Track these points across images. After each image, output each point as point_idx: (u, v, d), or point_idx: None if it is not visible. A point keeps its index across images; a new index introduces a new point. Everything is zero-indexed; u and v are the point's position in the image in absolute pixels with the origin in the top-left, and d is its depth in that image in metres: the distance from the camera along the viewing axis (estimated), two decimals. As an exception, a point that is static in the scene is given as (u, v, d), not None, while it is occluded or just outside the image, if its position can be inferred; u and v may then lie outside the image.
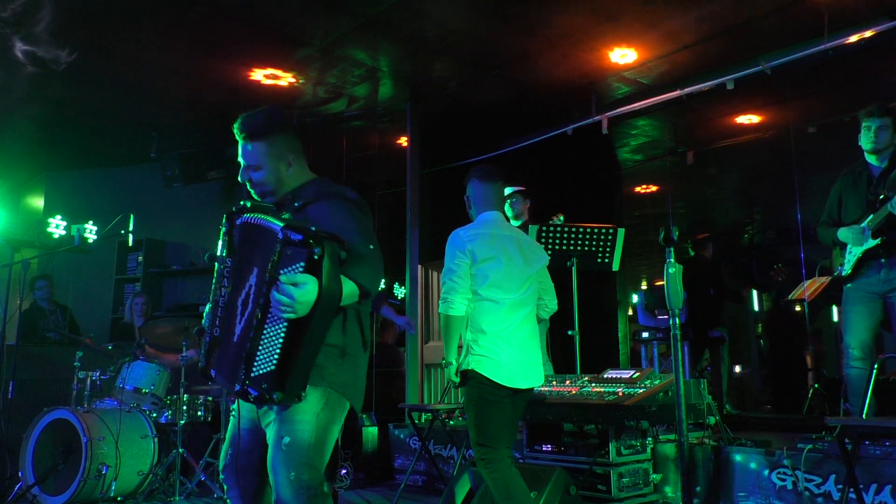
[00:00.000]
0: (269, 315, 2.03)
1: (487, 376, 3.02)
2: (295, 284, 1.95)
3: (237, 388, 2.07)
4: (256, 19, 5.17)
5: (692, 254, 6.95)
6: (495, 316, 3.08)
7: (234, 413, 2.40)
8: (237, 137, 2.38)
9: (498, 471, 3.00)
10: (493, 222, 3.21)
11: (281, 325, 2.01)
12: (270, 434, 2.21)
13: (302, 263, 1.98)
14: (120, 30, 5.32)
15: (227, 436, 2.41)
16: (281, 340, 2.01)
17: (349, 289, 2.08)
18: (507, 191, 5.42)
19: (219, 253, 2.29)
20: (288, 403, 2.10)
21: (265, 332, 2.04)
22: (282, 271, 2.00)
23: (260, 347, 2.04)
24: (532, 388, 3.18)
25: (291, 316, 1.97)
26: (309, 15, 5.13)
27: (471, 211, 3.31)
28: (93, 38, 5.42)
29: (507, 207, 5.41)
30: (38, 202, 8.61)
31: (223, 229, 2.28)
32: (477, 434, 3.06)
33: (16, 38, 5.36)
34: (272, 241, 2.04)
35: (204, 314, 2.37)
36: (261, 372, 2.03)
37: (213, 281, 2.28)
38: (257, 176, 2.36)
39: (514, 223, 5.38)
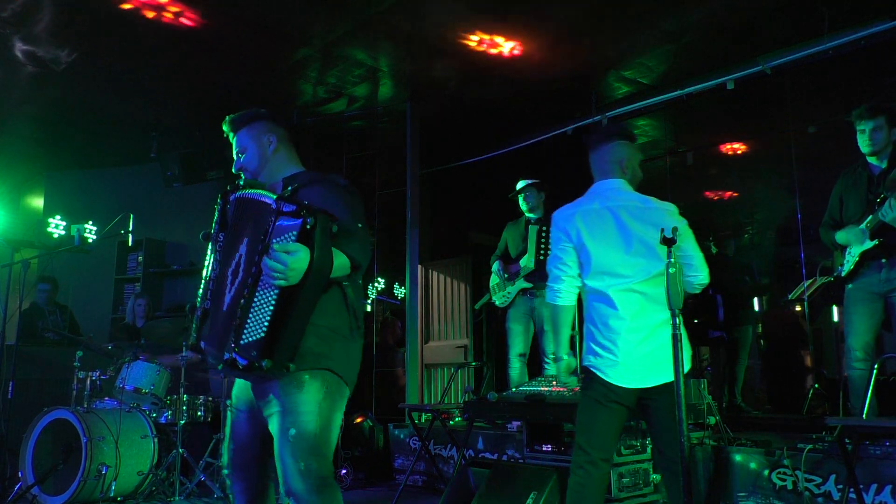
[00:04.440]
0: (261, 283, 2.08)
1: (600, 375, 2.71)
2: (287, 252, 2.01)
3: (226, 356, 2.10)
4: (256, 19, 5.17)
5: (714, 251, 6.94)
6: (605, 306, 2.73)
7: (230, 408, 2.42)
8: (229, 137, 2.53)
9: (586, 476, 2.68)
10: (593, 195, 2.88)
11: (272, 293, 2.06)
12: (274, 426, 2.21)
13: (294, 233, 2.04)
14: (120, 30, 5.32)
15: (227, 431, 2.43)
16: (271, 308, 2.06)
17: (340, 260, 2.15)
18: (520, 184, 5.41)
19: (212, 230, 2.34)
20: (275, 373, 2.12)
21: (256, 299, 2.08)
22: (274, 240, 2.05)
23: (250, 315, 2.08)
24: (666, 384, 2.68)
25: (283, 283, 2.02)
26: (309, 15, 5.13)
27: None
28: (93, 38, 5.42)
29: (521, 201, 5.41)
30: (38, 202, 8.61)
31: (217, 207, 2.34)
32: (577, 434, 2.78)
33: (16, 38, 5.36)
34: (265, 213, 2.12)
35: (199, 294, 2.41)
36: (250, 339, 2.07)
37: (208, 257, 2.33)
38: (245, 159, 2.48)
39: (530, 216, 5.38)
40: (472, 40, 5.47)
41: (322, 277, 2.10)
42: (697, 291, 2.92)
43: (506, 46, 5.56)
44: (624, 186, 2.87)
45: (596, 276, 2.75)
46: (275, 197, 2.13)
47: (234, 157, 2.52)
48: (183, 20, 5.13)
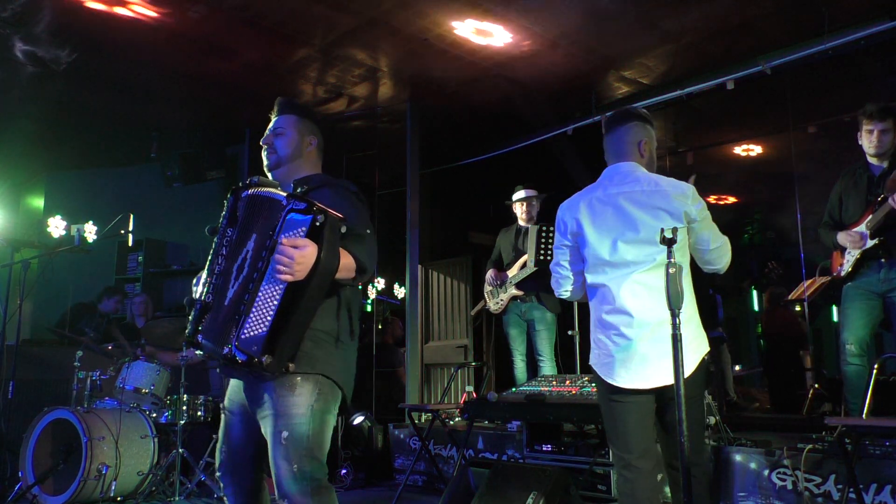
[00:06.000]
0: (266, 278, 2.08)
1: (598, 374, 2.58)
2: (296, 247, 2.01)
3: (225, 350, 2.09)
4: (256, 19, 5.17)
5: None
6: (604, 299, 2.59)
7: (224, 410, 2.42)
8: (274, 112, 2.53)
9: (628, 481, 2.51)
10: (601, 181, 2.73)
11: (277, 288, 2.06)
12: (267, 429, 2.21)
13: (304, 229, 2.05)
14: (120, 30, 5.32)
15: (220, 433, 2.43)
16: (276, 303, 2.05)
17: (347, 261, 2.15)
18: (522, 194, 5.41)
19: (220, 225, 2.32)
20: (274, 371, 2.10)
21: (260, 294, 2.08)
22: (283, 235, 2.06)
23: (253, 309, 2.07)
24: (669, 385, 2.41)
25: (289, 278, 2.02)
26: (309, 15, 5.13)
27: None
28: (93, 38, 5.42)
29: (519, 210, 5.42)
30: (38, 202, 8.61)
31: (227, 202, 2.33)
32: (608, 439, 2.70)
33: (16, 38, 5.36)
34: (276, 210, 2.13)
35: (193, 286, 2.40)
36: (252, 334, 2.06)
37: (211, 252, 2.31)
38: (278, 140, 2.47)
39: (524, 225, 5.39)
40: (473, 40, 5.47)
41: (328, 275, 2.10)
42: (705, 268, 2.76)
43: (506, 46, 5.57)
44: (635, 169, 2.67)
45: (596, 268, 2.61)
46: (286, 195, 2.15)
47: (268, 131, 2.49)
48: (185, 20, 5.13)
